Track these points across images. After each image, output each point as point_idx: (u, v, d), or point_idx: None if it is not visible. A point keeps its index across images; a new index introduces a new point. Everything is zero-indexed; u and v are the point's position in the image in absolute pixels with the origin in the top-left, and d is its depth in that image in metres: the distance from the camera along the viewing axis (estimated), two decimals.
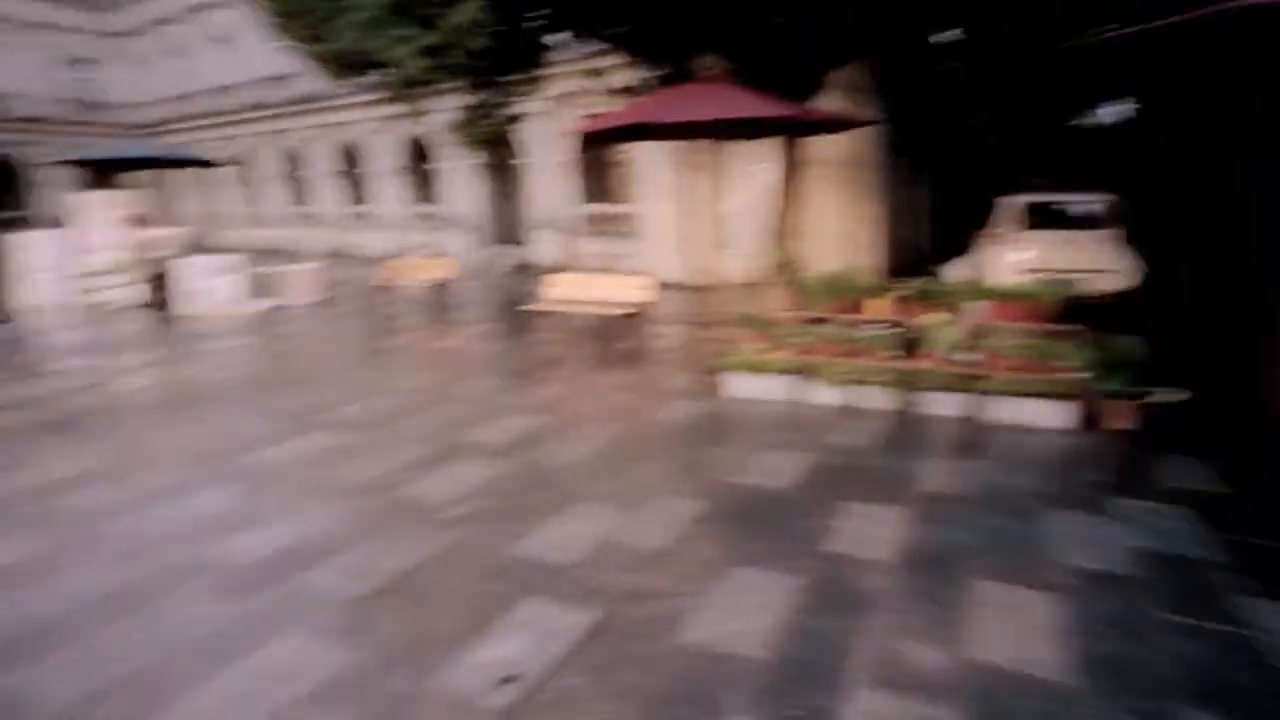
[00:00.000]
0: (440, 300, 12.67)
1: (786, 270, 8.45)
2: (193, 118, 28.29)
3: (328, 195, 24.49)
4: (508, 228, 21.15)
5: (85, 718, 2.73)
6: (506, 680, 2.92)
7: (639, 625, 3.24)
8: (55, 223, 17.85)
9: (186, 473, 5.14)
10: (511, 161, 18.51)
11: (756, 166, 13.55)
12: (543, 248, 18.20)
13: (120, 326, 11.58)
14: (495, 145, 12.19)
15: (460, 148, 15.69)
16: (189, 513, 4.48)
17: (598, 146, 16.03)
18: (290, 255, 22.09)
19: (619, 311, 9.08)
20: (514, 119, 12.99)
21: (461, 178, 20.54)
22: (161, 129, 28.76)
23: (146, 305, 12.96)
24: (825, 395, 6.38)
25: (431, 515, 4.38)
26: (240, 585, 3.61)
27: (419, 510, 4.45)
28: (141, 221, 15.50)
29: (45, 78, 29.10)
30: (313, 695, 2.83)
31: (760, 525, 4.16)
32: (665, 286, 11.99)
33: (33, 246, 14.26)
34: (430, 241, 21.34)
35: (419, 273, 13.42)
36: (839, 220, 10.09)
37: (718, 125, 7.07)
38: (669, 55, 9.47)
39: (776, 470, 4.93)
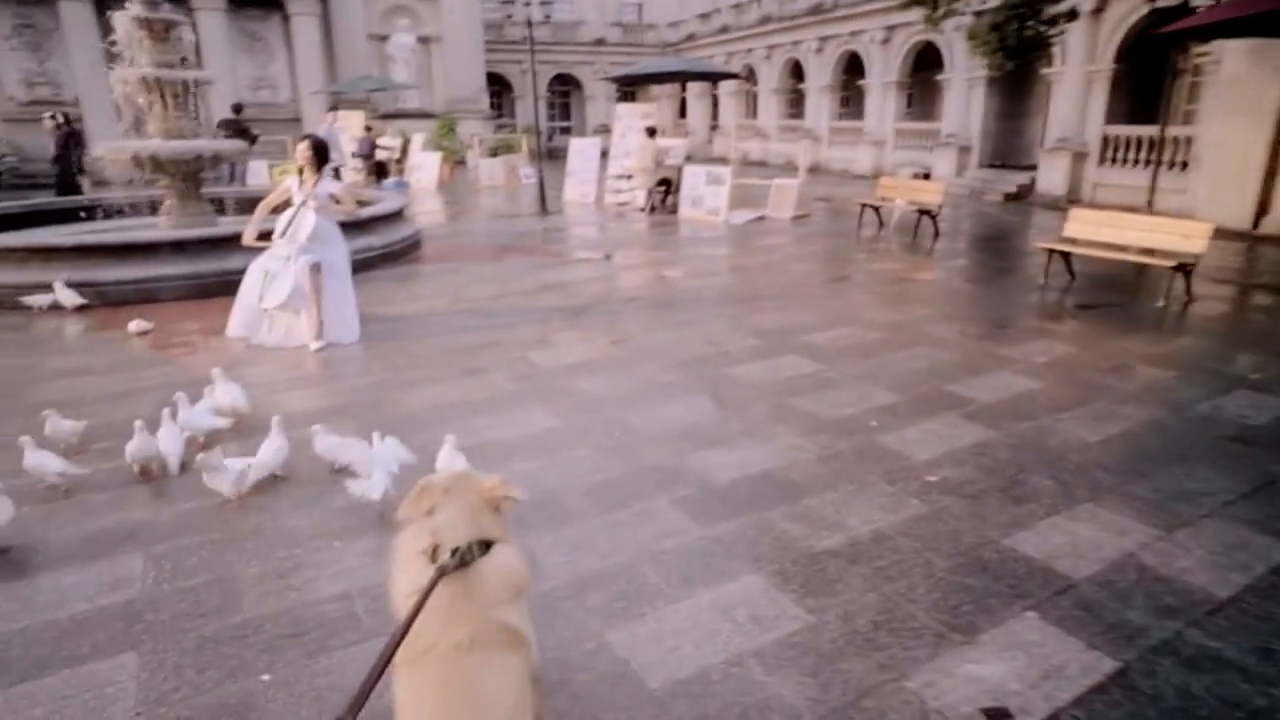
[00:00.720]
0: (923, 225, 11.71)
1: None
2: (711, 34, 30.44)
3: (821, 109, 24.49)
4: (1008, 149, 18.74)
5: (572, 599, 2.91)
6: (995, 714, 2.35)
7: (1175, 688, 2.37)
8: (599, 131, 21.05)
9: (669, 376, 5.40)
10: (1044, 70, 15.88)
11: None
12: (1051, 176, 15.69)
13: (630, 226, 13.08)
14: (1025, 53, 10.48)
15: (976, 57, 14.06)
16: (669, 417, 4.67)
17: (1176, 46, 12.77)
18: (779, 169, 22.83)
19: (1160, 262, 7.23)
20: (1069, 16, 10.94)
21: (962, 91, 18.63)
22: (686, 46, 31.58)
23: (653, 208, 14.47)
24: None
25: (905, 474, 3.88)
26: (709, 509, 3.58)
27: (892, 465, 3.98)
28: (657, 132, 17.21)
29: (601, 5, 33.82)
30: (772, 654, 2.62)
31: None
32: (1223, 234, 9.31)
33: (577, 152, 16.85)
34: (919, 161, 20.04)
35: (903, 194, 12.58)
36: None
37: None
38: None
39: None
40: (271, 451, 3.85)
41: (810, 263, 9.74)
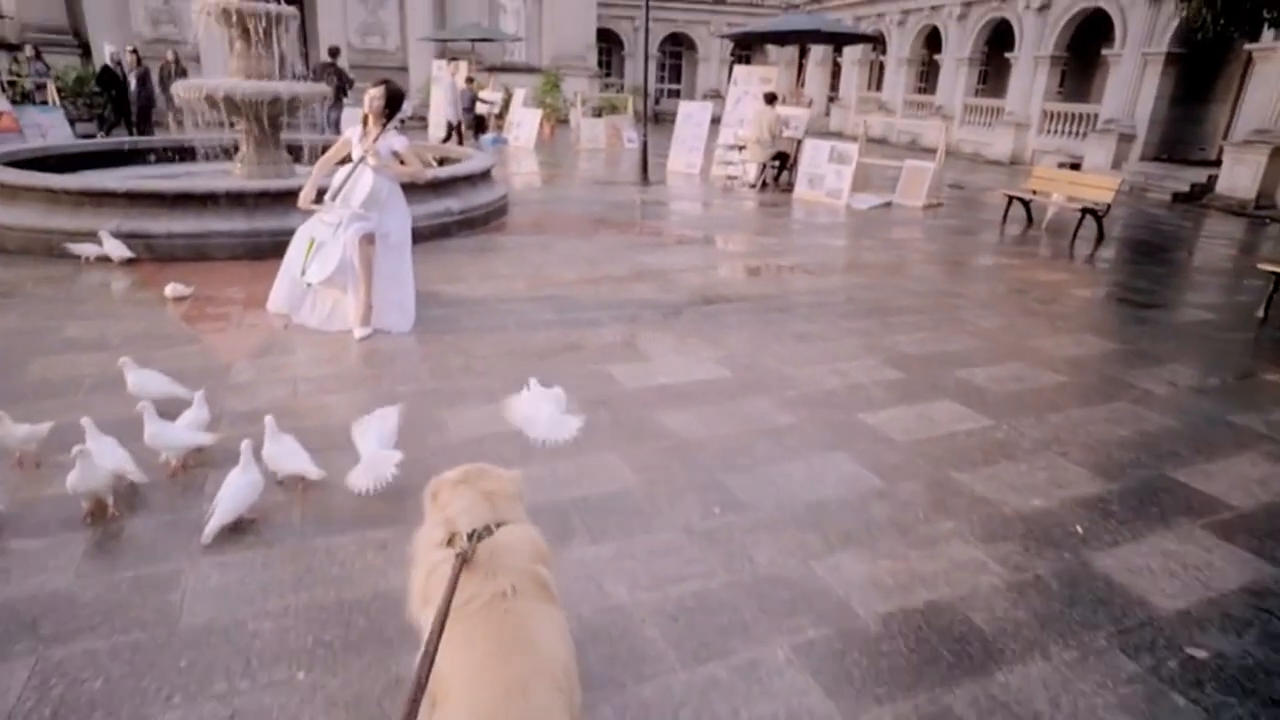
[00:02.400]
0: (1084, 227, 9.90)
1: None
2: None
3: (956, 84, 22.19)
4: (1179, 141, 16.30)
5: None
6: None
7: None
8: (710, 96, 19.58)
9: (786, 418, 4.15)
10: (1248, 46, 13.33)
11: None
12: (1238, 174, 13.36)
13: (739, 204, 11.71)
14: (1240, 19, 8.50)
15: (1158, 29, 11.83)
16: (789, 488, 3.45)
17: None
18: (903, 148, 20.82)
19: None
20: None
21: (1133, 70, 16.21)
22: (812, 7, 29.42)
23: (765, 185, 13.04)
24: None
25: (1150, 637, 2.56)
26: (851, 673, 2.40)
27: (1125, 615, 2.67)
28: (775, 99, 15.69)
29: None
30: None
31: None
32: None
33: (686, 117, 15.48)
34: (1066, 148, 17.73)
35: (1061, 187, 10.75)
36: None
37: None
38: None
39: None
40: (235, 491, 2.88)
41: (951, 265, 8.22)
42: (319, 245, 5.16)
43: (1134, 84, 16.25)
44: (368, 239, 5.15)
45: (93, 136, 12.05)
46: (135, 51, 13.55)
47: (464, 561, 1.53)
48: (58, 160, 9.06)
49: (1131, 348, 5.66)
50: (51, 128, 12.43)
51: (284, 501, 3.13)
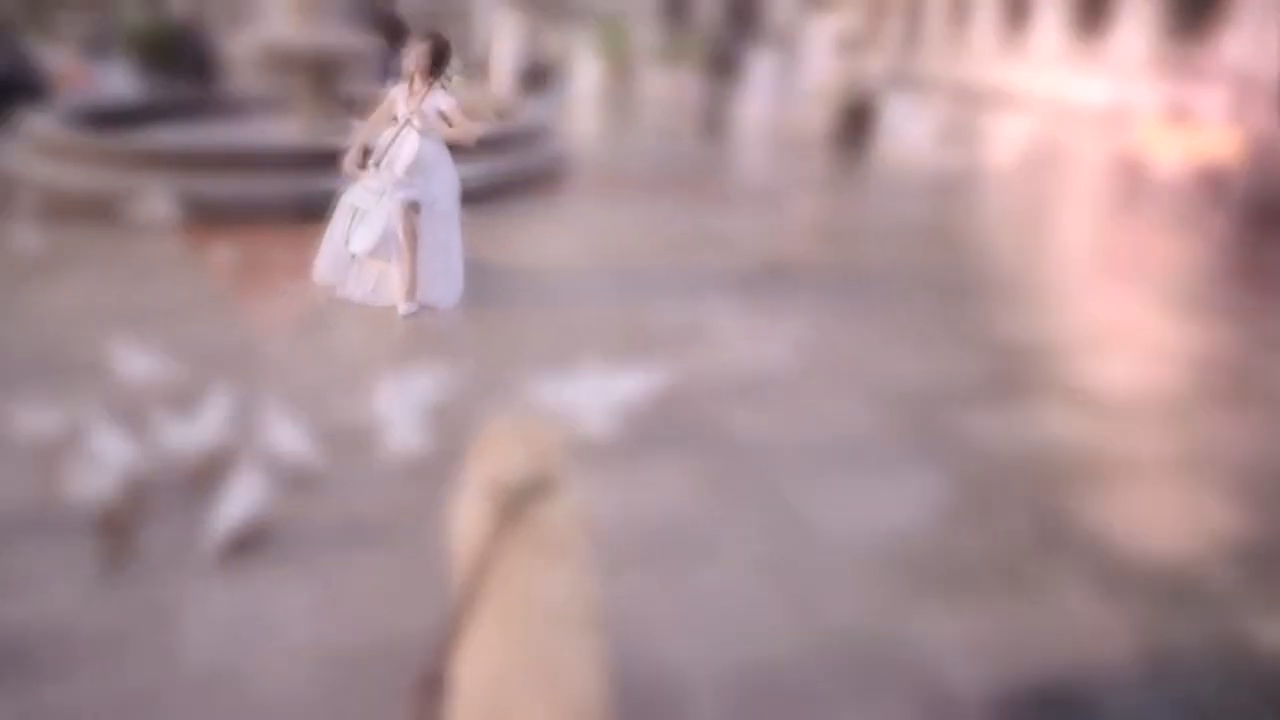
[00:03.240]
0: (1203, 193, 8.92)
1: None
2: None
3: (1050, 27, 20.52)
4: None
5: None
6: None
7: None
8: (780, 41, 18.62)
9: (867, 420, 3.67)
10: None
11: None
12: None
13: (811, 160, 10.98)
14: None
15: None
16: (869, 512, 3.02)
17: None
18: (994, 100, 19.42)
19: None
20: None
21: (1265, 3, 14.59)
22: None
23: (841, 139, 12.24)
24: None
25: None
26: None
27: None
28: (851, 46, 14.72)
29: None
30: None
31: None
32: None
33: (755, 65, 14.66)
34: (1182, 97, 16.14)
35: (1173, 147, 9.73)
36: None
37: None
38: None
39: None
40: (238, 496, 2.62)
41: (1048, 235, 7.48)
42: (362, 214, 4.84)
43: (1260, 18, 14.64)
44: (412, 207, 4.81)
45: (166, 90, 12.06)
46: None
47: (506, 515, 1.49)
48: (119, 115, 8.98)
49: (1274, 340, 4.95)
50: (116, 81, 12.43)
51: (303, 507, 2.85)
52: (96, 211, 6.60)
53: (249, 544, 2.61)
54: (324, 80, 8.52)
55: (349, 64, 8.80)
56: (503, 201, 7.59)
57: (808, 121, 12.84)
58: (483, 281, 5.25)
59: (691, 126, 13.41)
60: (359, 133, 5.03)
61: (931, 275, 5.86)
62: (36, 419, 2.95)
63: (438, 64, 4.83)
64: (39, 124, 7.69)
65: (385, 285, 5.00)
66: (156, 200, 6.39)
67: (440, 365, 4.08)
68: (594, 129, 13.41)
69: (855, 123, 12.45)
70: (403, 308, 4.85)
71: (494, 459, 1.60)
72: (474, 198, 6.86)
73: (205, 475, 3.03)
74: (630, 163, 10.13)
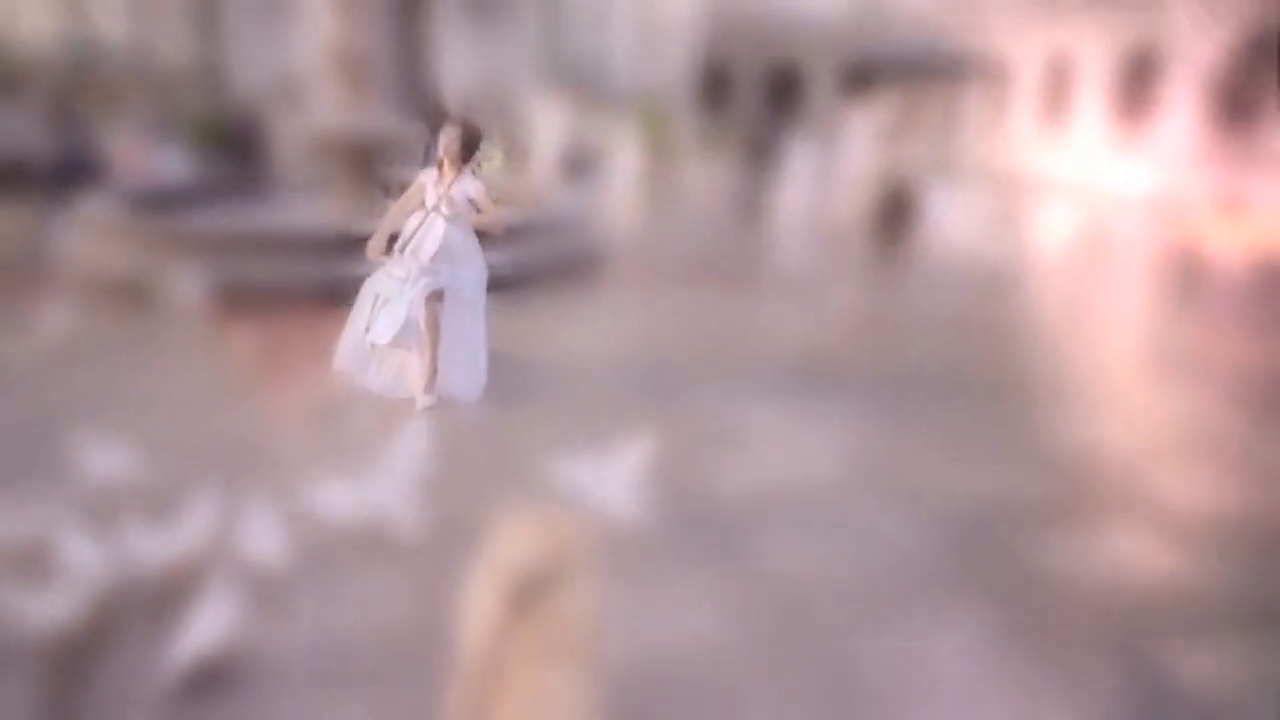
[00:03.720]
0: (1269, 286, 8.48)
1: None
2: (957, 17, 26.77)
3: (1091, 114, 20.46)
4: None
5: None
6: None
7: None
8: (818, 133, 18.82)
9: (925, 546, 3.30)
10: None
11: None
12: None
13: (851, 251, 10.79)
14: None
15: None
16: (931, 670, 2.62)
17: None
18: (1035, 188, 19.26)
19: None
20: None
21: None
22: (928, 33, 28.13)
23: (881, 230, 12.06)
24: None
25: None
26: None
27: None
28: (890, 134, 14.75)
29: None
30: None
31: None
32: None
33: (793, 155, 14.72)
34: (1235, 185, 15.77)
35: (1230, 236, 9.34)
36: None
37: None
38: None
39: None
40: (203, 620, 2.33)
41: (1109, 329, 7.09)
42: (384, 301, 4.67)
43: None
44: (435, 296, 4.64)
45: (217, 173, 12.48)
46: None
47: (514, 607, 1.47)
48: (169, 197, 9.17)
49: None
50: (172, 164, 12.85)
51: (281, 631, 2.54)
52: (132, 293, 6.61)
53: (213, 680, 2.31)
54: (365, 164, 8.63)
55: (390, 149, 8.93)
56: (534, 290, 7.45)
57: (847, 210, 12.73)
58: (507, 374, 5.03)
59: (729, 214, 13.39)
60: (385, 217, 4.93)
61: (982, 375, 5.50)
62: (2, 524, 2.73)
63: (469, 149, 4.74)
64: (89, 205, 7.85)
65: (405, 376, 4.80)
66: (188, 283, 6.38)
67: (453, 461, 3.85)
68: (631, 216, 13.45)
69: (895, 212, 12.30)
70: (421, 400, 4.63)
71: (509, 549, 1.57)
72: (505, 285, 6.74)
73: (177, 589, 2.76)
74: (667, 251, 10.04)
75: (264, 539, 2.79)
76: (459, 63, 22.48)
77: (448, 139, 4.70)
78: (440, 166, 4.78)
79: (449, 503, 3.21)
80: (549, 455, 3.92)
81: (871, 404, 4.79)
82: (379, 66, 8.61)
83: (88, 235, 7.36)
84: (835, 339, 6.46)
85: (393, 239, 4.84)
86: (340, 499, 3.18)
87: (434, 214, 4.70)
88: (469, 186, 4.72)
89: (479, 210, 4.75)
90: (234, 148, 12.52)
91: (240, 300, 6.51)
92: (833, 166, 13.90)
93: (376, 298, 4.71)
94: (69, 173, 9.60)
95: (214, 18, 20.78)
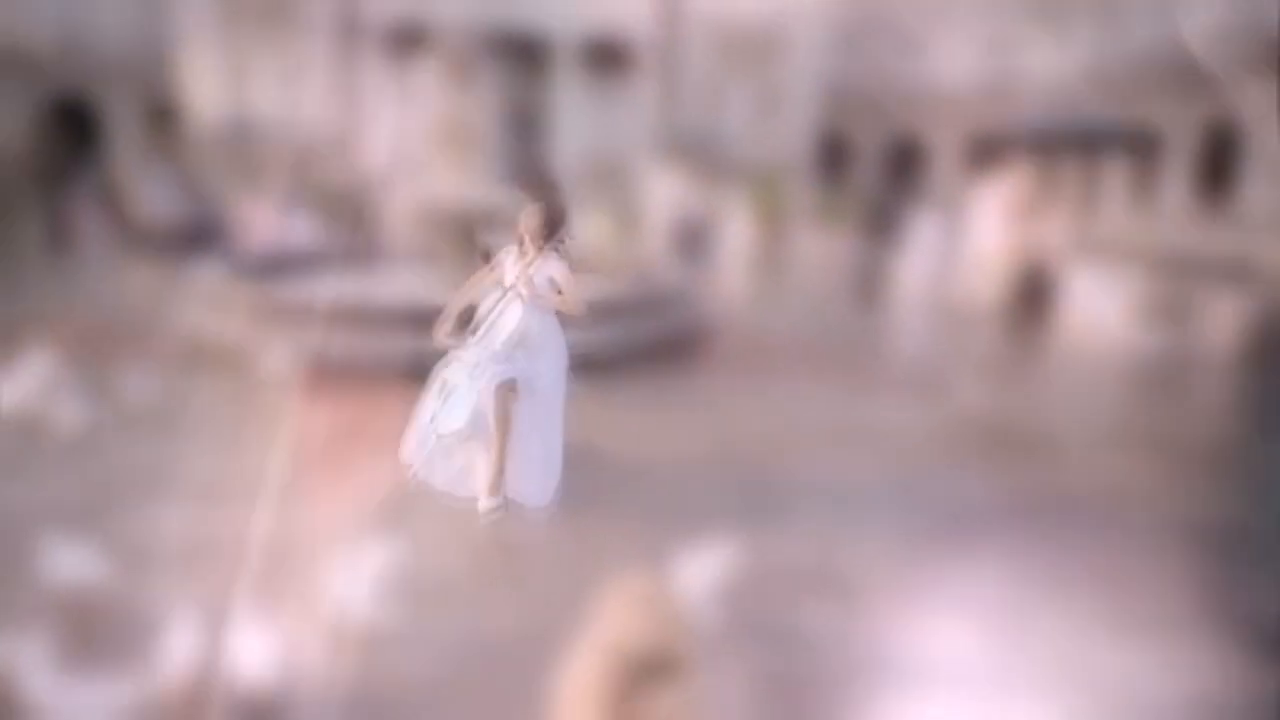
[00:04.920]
0: None
1: None
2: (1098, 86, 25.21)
3: (1261, 183, 18.49)
4: None
5: None
6: None
7: None
8: (943, 205, 17.89)
9: None
10: None
11: None
12: None
13: (982, 338, 9.82)
14: None
15: None
16: None
17: None
18: (1196, 269, 17.37)
19: None
20: None
21: None
22: (1063, 103, 26.66)
23: (1015, 313, 10.99)
24: None
25: None
26: None
27: None
28: (1021, 209, 13.71)
29: (957, 54, 30.03)
30: None
31: None
32: None
33: (916, 229, 13.88)
34: None
35: None
36: None
37: None
38: None
39: None
40: None
41: None
42: (451, 389, 4.27)
43: None
44: (507, 387, 4.20)
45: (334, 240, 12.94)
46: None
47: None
48: (284, 263, 9.37)
49: None
50: (300, 231, 13.38)
51: None
52: (227, 360, 6.59)
53: None
54: (468, 235, 8.53)
55: (494, 219, 8.82)
56: (629, 372, 6.95)
57: (976, 291, 11.72)
58: (586, 473, 4.50)
59: (846, 292, 12.63)
60: (457, 295, 4.58)
61: (1158, 509, 4.49)
62: None
63: (551, 227, 4.35)
64: (203, 269, 8.05)
65: (473, 473, 4.35)
66: (278, 352, 6.28)
67: (503, 592, 3.33)
68: (741, 292, 12.94)
69: (1032, 294, 11.22)
70: (484, 503, 4.15)
71: (617, 625, 1.52)
72: (597, 367, 6.30)
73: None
74: (777, 332, 9.37)
75: (254, 660, 2.33)
76: (575, 132, 22.97)
77: (527, 215, 4.34)
78: (520, 244, 4.41)
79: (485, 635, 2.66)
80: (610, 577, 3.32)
81: (1016, 543, 3.92)
82: (487, 137, 8.59)
83: (196, 299, 7.48)
84: (965, 447, 5.58)
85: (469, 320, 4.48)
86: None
87: (511, 295, 4.30)
88: (550, 266, 4.32)
89: (560, 292, 4.32)
90: (352, 217, 12.93)
91: (329, 373, 6.33)
92: (959, 242, 12.98)
93: (444, 384, 4.33)
94: (196, 238, 10.02)
95: (354, 93, 22.15)
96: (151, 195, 11.80)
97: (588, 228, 14.85)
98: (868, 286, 11.69)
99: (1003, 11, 29.69)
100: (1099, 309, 9.85)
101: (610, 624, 1.55)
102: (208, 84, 22.66)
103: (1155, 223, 21.98)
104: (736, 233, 18.23)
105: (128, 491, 4.20)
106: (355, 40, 22.96)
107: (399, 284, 8.78)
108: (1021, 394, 7.18)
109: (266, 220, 12.75)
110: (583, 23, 23.83)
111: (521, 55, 20.46)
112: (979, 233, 12.44)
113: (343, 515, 4.03)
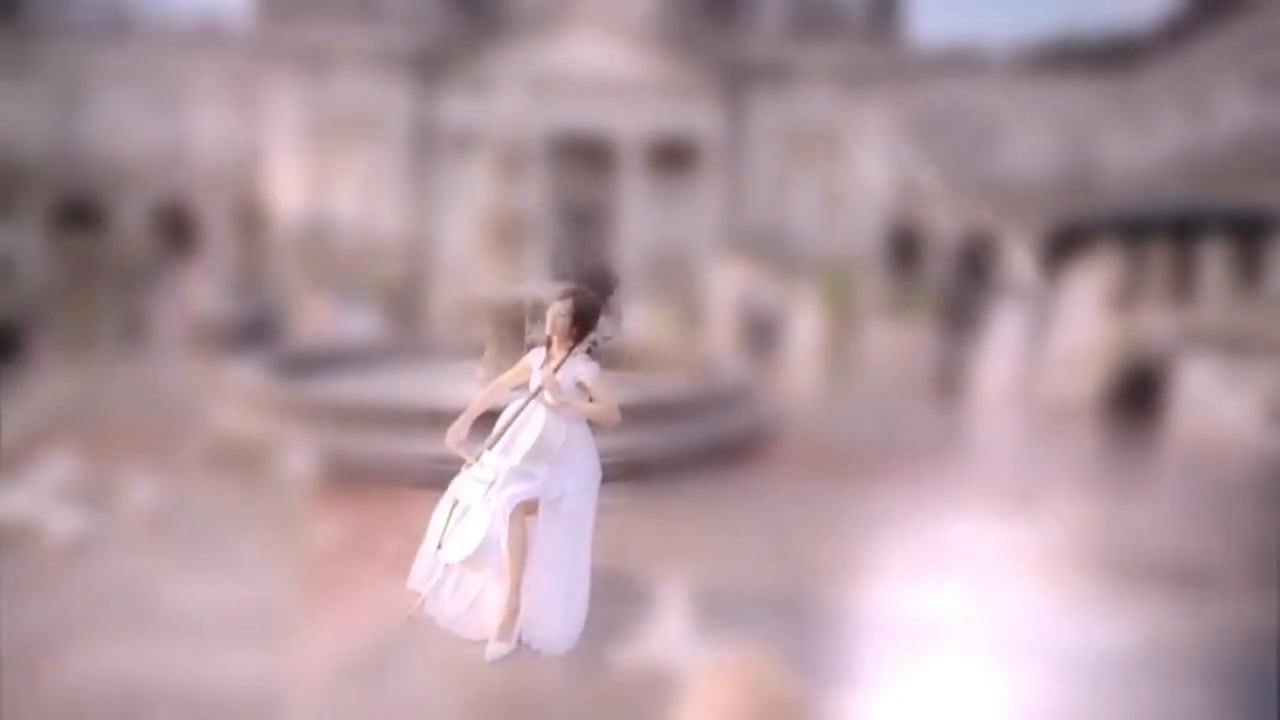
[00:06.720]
0: None
1: None
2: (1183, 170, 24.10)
3: None
4: None
5: None
6: None
7: None
8: (1025, 296, 16.94)
9: None
10: None
11: None
12: None
13: (1076, 440, 8.77)
14: None
15: None
16: None
17: None
18: None
19: None
20: None
21: None
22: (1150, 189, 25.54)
23: (1112, 412, 9.89)
24: None
25: None
26: None
27: None
28: (1114, 300, 12.68)
29: (1037, 147, 29.38)
30: None
31: None
32: None
33: (997, 321, 12.94)
34: None
35: None
36: None
37: None
38: None
39: None
40: None
41: None
42: (463, 510, 3.67)
43: None
44: (526, 508, 3.58)
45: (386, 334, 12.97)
46: None
47: None
48: (326, 359, 9.16)
49: None
50: (358, 325, 13.40)
51: None
52: (250, 460, 6.22)
53: None
54: (516, 330, 8.16)
55: (541, 315, 8.45)
56: (680, 480, 6.23)
57: (1067, 388, 10.65)
58: (615, 606, 3.79)
59: (922, 390, 11.71)
60: (480, 398, 4.03)
61: None
62: None
63: (581, 326, 3.80)
64: (242, 367, 7.84)
65: (483, 607, 3.69)
66: (299, 453, 5.87)
67: None
68: (808, 390, 12.15)
69: (1137, 391, 10.10)
70: (493, 647, 3.48)
71: (717, 710, 1.43)
72: (644, 473, 5.68)
73: None
74: (845, 434, 8.54)
75: None
76: (639, 226, 23.03)
77: (554, 312, 3.81)
78: (548, 345, 3.87)
79: None
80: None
81: (1170, 708, 2.98)
82: (540, 232, 8.32)
83: (230, 396, 7.23)
84: (1082, 577, 4.63)
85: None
86: None
87: (535, 401, 3.74)
88: (580, 369, 3.75)
89: (591, 399, 3.73)
90: (404, 311, 13.00)
91: (351, 475, 5.87)
92: (1047, 336, 11.99)
93: (455, 504, 3.73)
94: (253, 331, 9.99)
95: (425, 196, 22.90)
96: (209, 293, 12.04)
97: (649, 322, 14.46)
98: (946, 383, 10.80)
99: (1079, 103, 29.14)
100: (1219, 407, 8.71)
101: (705, 710, 1.41)
102: (291, 189, 23.82)
103: (1266, 309, 20.36)
104: (805, 327, 17.50)
105: (95, 619, 3.69)
106: (428, 146, 23.87)
107: (439, 382, 8.41)
108: (1140, 510, 6.15)
109: (323, 314, 12.82)
110: (647, 124, 24.29)
111: (585, 152, 20.85)
112: (1069, 325, 11.46)
113: (331, 658, 3.42)
